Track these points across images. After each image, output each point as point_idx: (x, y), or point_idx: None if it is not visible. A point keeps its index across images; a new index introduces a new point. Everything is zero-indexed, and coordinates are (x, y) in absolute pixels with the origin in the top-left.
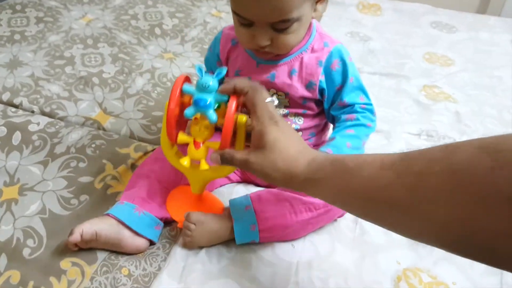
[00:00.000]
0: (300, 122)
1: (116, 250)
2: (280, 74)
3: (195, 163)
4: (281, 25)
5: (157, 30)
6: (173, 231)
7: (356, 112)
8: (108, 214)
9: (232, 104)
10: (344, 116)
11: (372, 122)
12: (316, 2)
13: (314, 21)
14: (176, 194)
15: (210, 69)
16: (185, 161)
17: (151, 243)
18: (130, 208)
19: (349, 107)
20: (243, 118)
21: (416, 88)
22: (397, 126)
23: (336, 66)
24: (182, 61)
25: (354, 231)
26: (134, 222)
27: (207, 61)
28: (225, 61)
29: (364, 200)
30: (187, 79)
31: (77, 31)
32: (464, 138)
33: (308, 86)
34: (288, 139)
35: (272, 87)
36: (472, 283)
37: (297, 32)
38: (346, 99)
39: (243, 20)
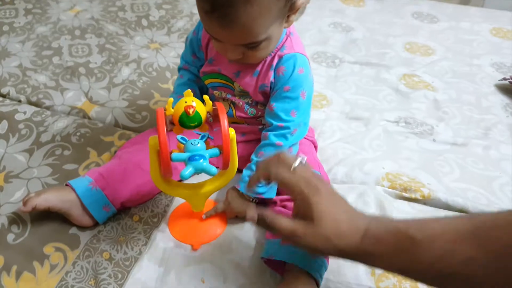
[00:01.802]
0: (254, 112)
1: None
2: (244, 74)
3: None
4: (251, 45)
5: (144, 21)
6: (155, 218)
7: (271, 131)
8: (67, 184)
9: (224, 121)
10: (263, 133)
11: (284, 140)
12: (288, 16)
13: (292, 27)
14: (178, 217)
15: (193, 51)
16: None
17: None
18: (86, 181)
19: (270, 123)
20: (232, 131)
21: (395, 77)
22: (375, 113)
23: (281, 72)
24: (167, 51)
25: None
26: (86, 195)
27: (190, 43)
28: (205, 46)
29: (438, 276)
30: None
31: (65, 22)
32: (442, 124)
33: (261, 88)
34: (336, 209)
35: (237, 82)
36: None
37: (267, 47)
38: (274, 105)
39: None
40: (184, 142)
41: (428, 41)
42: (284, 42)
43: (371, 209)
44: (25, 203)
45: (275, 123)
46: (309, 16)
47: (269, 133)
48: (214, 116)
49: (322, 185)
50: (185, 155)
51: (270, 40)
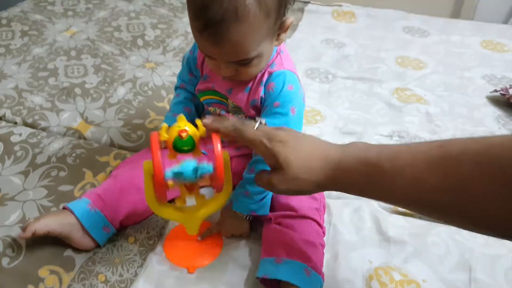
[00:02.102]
0: None
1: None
2: (236, 90)
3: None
4: (242, 62)
5: (140, 41)
6: (150, 240)
7: None
8: (65, 207)
9: (217, 144)
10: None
11: None
12: (278, 34)
13: (282, 45)
14: (174, 239)
15: (190, 70)
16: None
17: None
18: (84, 203)
19: None
20: (227, 155)
21: (388, 91)
22: (369, 128)
23: (271, 88)
24: (163, 70)
25: (328, 232)
26: (85, 217)
27: (187, 62)
28: (200, 64)
29: (407, 203)
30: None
31: (61, 44)
32: (435, 137)
33: (252, 103)
34: (303, 149)
35: (230, 98)
36: (441, 279)
37: (259, 64)
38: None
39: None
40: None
41: (420, 55)
42: (274, 59)
43: (367, 224)
44: (24, 229)
45: None
46: (302, 33)
47: None
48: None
49: (283, 134)
50: (178, 166)
51: (261, 57)
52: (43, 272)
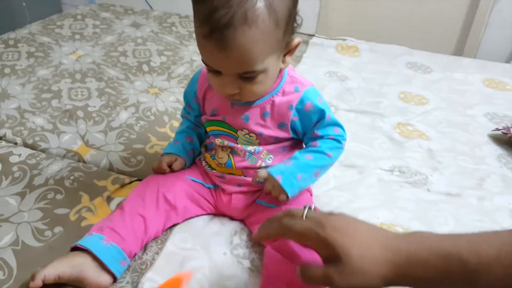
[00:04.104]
0: (269, 161)
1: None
2: (253, 116)
3: None
4: (248, 75)
5: (145, 67)
6: (143, 265)
7: (321, 140)
8: (76, 246)
9: None
10: (310, 143)
11: (334, 151)
12: (285, 55)
13: (290, 68)
14: None
15: (188, 103)
16: None
17: (114, 280)
18: (98, 238)
19: (319, 137)
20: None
21: (390, 125)
22: (370, 161)
23: (310, 107)
24: (167, 96)
25: None
26: (101, 252)
27: (186, 94)
28: (202, 99)
29: None
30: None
31: (67, 66)
32: (436, 174)
33: (280, 126)
34: (362, 237)
35: (245, 128)
36: None
37: (264, 82)
38: (319, 131)
39: (211, 68)
40: None
41: (422, 90)
42: (283, 80)
43: None
44: (32, 277)
45: (325, 136)
46: (306, 65)
47: (319, 142)
48: None
49: (336, 220)
50: None
51: (266, 74)
52: None
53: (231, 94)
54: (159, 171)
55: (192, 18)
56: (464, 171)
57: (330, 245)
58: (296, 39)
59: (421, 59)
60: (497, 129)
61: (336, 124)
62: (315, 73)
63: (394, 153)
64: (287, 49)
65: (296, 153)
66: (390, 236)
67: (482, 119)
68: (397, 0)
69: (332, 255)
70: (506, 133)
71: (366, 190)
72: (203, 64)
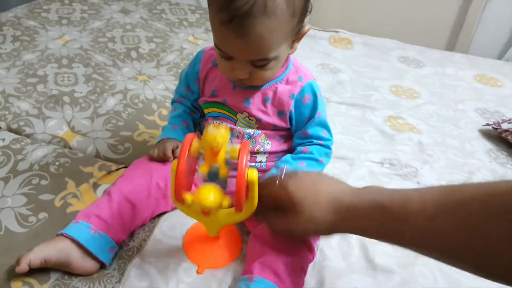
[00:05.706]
0: (268, 147)
1: (66, 270)
2: (255, 101)
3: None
4: (260, 62)
5: (133, 53)
6: (129, 252)
7: (312, 146)
8: (62, 234)
9: (243, 161)
10: (300, 148)
11: (325, 157)
12: (294, 41)
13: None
14: (193, 236)
15: (187, 85)
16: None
17: (102, 266)
18: (85, 227)
19: (309, 140)
20: (253, 173)
21: (381, 118)
22: (361, 154)
23: (308, 100)
24: (155, 83)
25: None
26: (89, 242)
27: (185, 77)
28: (203, 79)
29: (416, 248)
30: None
31: (53, 51)
32: (426, 167)
33: (280, 114)
34: (314, 191)
35: (246, 111)
36: None
37: (274, 68)
38: (309, 131)
39: (224, 54)
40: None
41: (414, 85)
42: (289, 68)
43: (355, 250)
44: (18, 261)
45: (314, 140)
46: (298, 56)
47: (311, 148)
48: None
49: (299, 179)
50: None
51: (277, 60)
52: (16, 283)
53: (241, 79)
54: (163, 159)
55: (182, 6)
56: (454, 164)
57: (291, 199)
58: (307, 26)
59: (413, 54)
60: (488, 124)
61: (325, 126)
62: (307, 64)
63: (384, 146)
64: (297, 35)
65: (289, 159)
66: (346, 189)
67: (472, 114)
68: None
69: (291, 207)
70: (496, 128)
71: (356, 182)
72: (193, 52)
